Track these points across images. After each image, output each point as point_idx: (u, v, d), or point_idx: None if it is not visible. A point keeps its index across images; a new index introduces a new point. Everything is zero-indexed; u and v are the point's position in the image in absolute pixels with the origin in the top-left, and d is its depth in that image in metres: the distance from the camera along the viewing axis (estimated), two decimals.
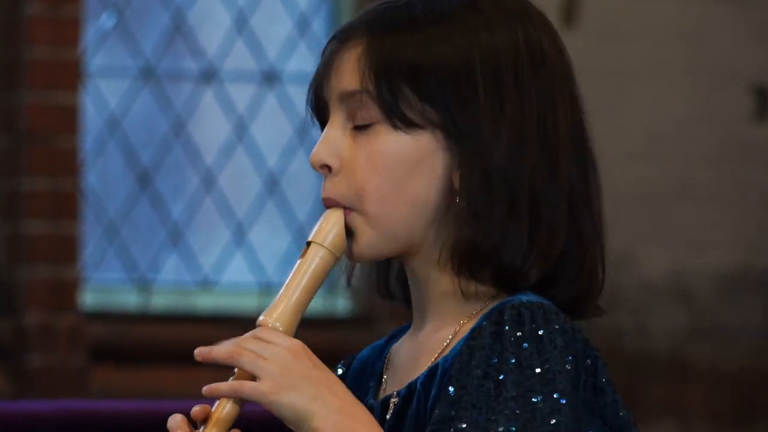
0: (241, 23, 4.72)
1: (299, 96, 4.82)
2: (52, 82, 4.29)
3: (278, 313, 0.83)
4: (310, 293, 0.85)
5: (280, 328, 0.82)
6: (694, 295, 5.00)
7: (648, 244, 4.77)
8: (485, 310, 0.84)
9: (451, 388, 0.76)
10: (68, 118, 4.29)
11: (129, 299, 4.44)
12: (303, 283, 0.85)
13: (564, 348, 0.77)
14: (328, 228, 0.85)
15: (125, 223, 4.54)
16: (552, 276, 0.85)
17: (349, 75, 0.86)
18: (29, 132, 4.24)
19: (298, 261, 0.85)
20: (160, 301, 4.48)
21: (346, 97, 0.87)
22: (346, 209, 0.86)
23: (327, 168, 0.87)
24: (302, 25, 4.80)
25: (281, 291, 0.85)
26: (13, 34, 4.27)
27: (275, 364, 0.76)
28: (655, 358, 4.83)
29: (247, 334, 0.82)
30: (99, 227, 4.49)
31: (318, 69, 0.91)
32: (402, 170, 0.85)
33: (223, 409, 0.80)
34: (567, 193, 0.86)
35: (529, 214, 0.83)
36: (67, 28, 4.33)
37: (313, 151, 0.89)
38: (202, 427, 0.80)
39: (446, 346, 0.85)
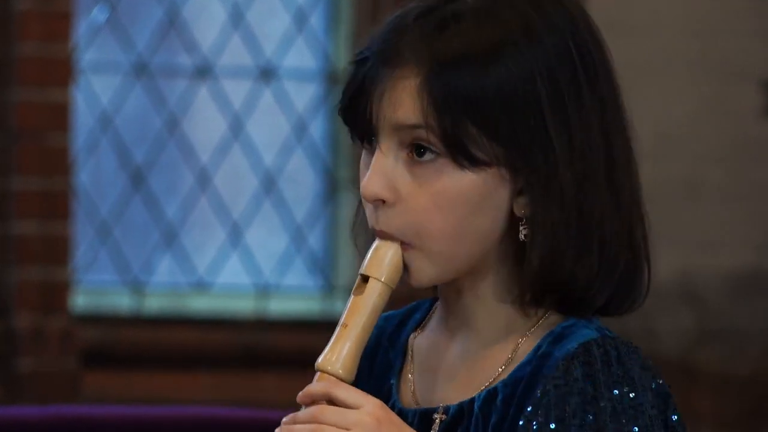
0: (237, 17, 4.72)
1: (296, 92, 4.82)
2: (43, 78, 4.29)
3: (340, 357, 0.81)
4: (369, 332, 0.83)
5: (341, 372, 0.79)
6: (703, 297, 4.99)
7: (656, 246, 4.76)
8: (541, 327, 0.83)
9: (536, 425, 0.75)
10: (59, 116, 4.28)
11: (122, 301, 4.44)
12: (363, 323, 0.82)
13: (651, 389, 0.78)
14: (386, 262, 0.83)
15: (118, 224, 4.54)
16: (610, 297, 0.85)
17: (406, 108, 0.83)
18: (19, 130, 4.24)
19: (353, 296, 0.82)
20: (154, 303, 4.48)
21: (403, 129, 0.84)
22: (403, 244, 0.84)
23: (381, 201, 0.85)
24: (300, 19, 4.80)
25: (338, 330, 0.82)
26: (2, 30, 4.27)
27: (359, 429, 0.74)
28: (664, 362, 4.82)
29: (317, 390, 0.79)
30: (91, 227, 4.49)
31: (360, 88, 0.86)
32: (467, 208, 0.82)
33: None
34: (627, 215, 0.85)
35: (599, 243, 0.82)
36: (57, 23, 4.32)
37: (366, 181, 0.85)
38: None
39: (505, 368, 0.83)
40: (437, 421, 0.84)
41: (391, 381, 0.91)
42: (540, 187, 0.81)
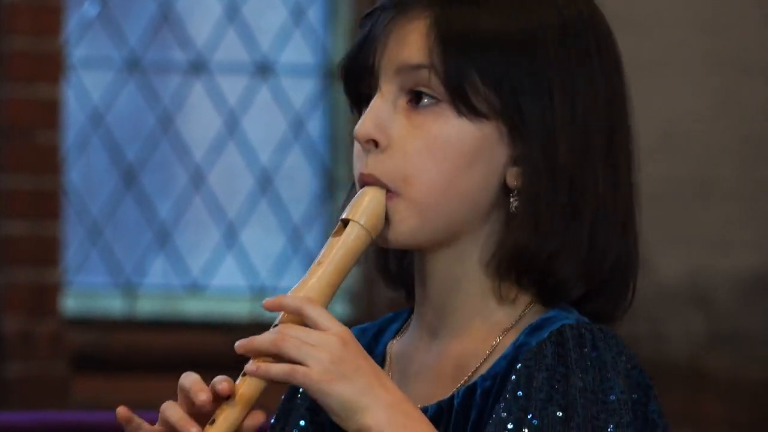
0: (233, 11, 4.71)
1: (293, 89, 4.82)
2: (33, 74, 4.28)
3: (312, 286, 0.81)
4: (342, 273, 0.82)
5: (312, 297, 0.79)
6: (713, 300, 4.99)
7: (665, 247, 4.76)
8: (523, 324, 0.83)
9: (504, 414, 0.75)
10: (49, 113, 4.27)
11: (113, 304, 4.43)
12: (336, 260, 0.82)
13: (626, 376, 0.77)
14: (368, 207, 0.82)
15: (109, 224, 4.53)
16: (589, 292, 0.84)
17: (411, 47, 0.84)
18: (8, 127, 4.23)
19: (331, 239, 0.83)
20: (146, 306, 4.48)
21: (406, 70, 0.85)
22: (389, 191, 0.84)
23: (373, 143, 0.85)
24: (297, 13, 4.80)
25: (311, 268, 0.83)
26: None
27: (324, 351, 0.74)
28: (673, 366, 4.82)
29: (290, 302, 0.79)
30: (82, 228, 4.48)
31: (366, 36, 0.88)
32: (459, 160, 0.83)
33: (251, 386, 0.78)
34: (622, 206, 0.85)
35: (590, 226, 0.81)
36: (48, 17, 4.32)
37: (360, 122, 0.86)
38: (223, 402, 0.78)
39: (483, 362, 0.83)
40: None
41: None
42: (535, 153, 0.81)
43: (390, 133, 0.84)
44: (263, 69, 4.76)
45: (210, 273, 4.57)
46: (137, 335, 4.35)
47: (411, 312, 0.94)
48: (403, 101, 0.85)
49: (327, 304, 0.81)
